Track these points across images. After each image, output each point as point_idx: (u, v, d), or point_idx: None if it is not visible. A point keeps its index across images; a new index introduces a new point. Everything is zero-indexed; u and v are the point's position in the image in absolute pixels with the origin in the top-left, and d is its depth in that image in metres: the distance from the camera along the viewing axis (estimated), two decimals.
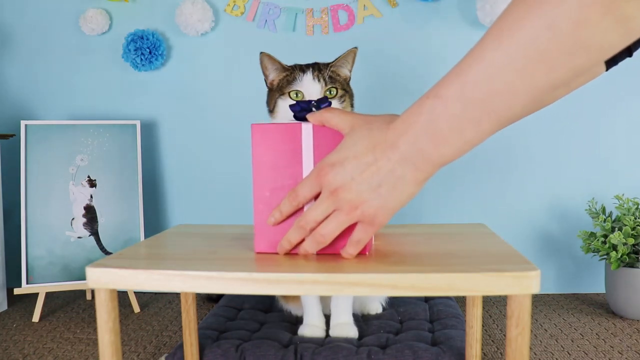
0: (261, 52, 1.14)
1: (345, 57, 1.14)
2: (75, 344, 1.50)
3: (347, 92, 1.14)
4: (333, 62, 1.14)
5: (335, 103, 1.11)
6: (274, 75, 1.16)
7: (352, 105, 1.17)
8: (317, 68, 1.12)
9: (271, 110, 1.15)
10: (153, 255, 0.77)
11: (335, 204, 0.62)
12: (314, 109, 0.76)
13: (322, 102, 0.85)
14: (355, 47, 1.15)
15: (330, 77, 1.11)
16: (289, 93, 1.10)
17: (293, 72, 1.12)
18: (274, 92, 1.14)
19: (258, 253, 0.72)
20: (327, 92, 1.11)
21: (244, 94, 1.96)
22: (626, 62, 0.56)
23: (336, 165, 0.61)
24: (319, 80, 1.10)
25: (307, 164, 0.70)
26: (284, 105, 1.11)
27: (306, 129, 0.70)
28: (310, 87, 1.09)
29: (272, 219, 0.70)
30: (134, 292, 1.81)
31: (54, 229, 1.75)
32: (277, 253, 0.72)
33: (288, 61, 1.15)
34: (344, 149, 0.61)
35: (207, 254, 0.74)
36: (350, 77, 1.18)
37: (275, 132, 0.71)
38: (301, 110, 0.75)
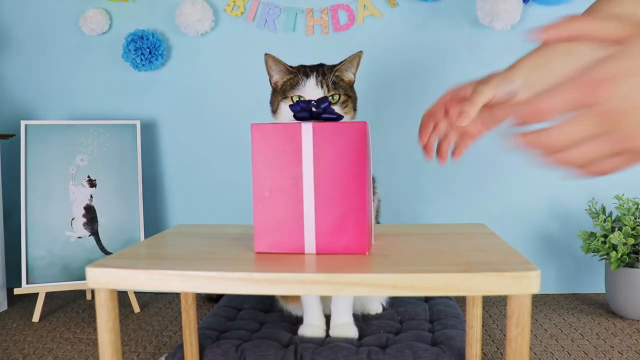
0: (266, 54, 1.15)
1: (351, 61, 1.15)
2: (75, 344, 1.49)
3: (350, 97, 1.14)
4: (337, 65, 1.14)
5: (337, 109, 1.11)
6: (278, 77, 1.16)
7: (354, 109, 1.17)
8: (321, 72, 1.12)
9: (274, 111, 1.16)
10: (153, 255, 0.77)
11: (604, 127, 0.43)
12: (314, 109, 0.75)
13: (322, 102, 0.85)
14: (360, 51, 1.16)
15: (333, 82, 1.11)
16: (291, 97, 1.11)
17: (297, 75, 1.12)
18: (277, 94, 1.15)
19: (258, 253, 0.72)
20: (330, 99, 1.11)
21: (244, 94, 1.96)
22: None
23: (617, 79, 0.42)
24: (321, 86, 1.10)
25: (307, 164, 0.70)
26: (286, 108, 1.11)
27: (306, 129, 0.70)
28: (312, 93, 1.10)
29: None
30: (134, 292, 1.81)
31: (54, 229, 1.75)
32: (276, 253, 0.71)
33: (288, 62, 1.15)
34: (631, 59, 0.42)
35: (207, 254, 0.74)
36: (354, 81, 1.18)
37: (275, 132, 0.71)
38: (301, 110, 0.75)
